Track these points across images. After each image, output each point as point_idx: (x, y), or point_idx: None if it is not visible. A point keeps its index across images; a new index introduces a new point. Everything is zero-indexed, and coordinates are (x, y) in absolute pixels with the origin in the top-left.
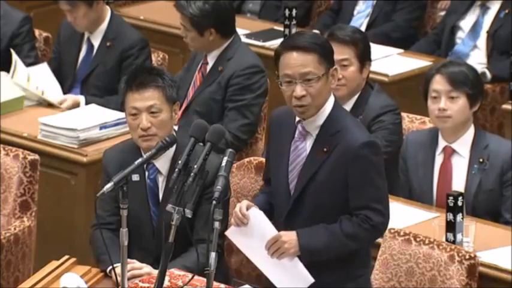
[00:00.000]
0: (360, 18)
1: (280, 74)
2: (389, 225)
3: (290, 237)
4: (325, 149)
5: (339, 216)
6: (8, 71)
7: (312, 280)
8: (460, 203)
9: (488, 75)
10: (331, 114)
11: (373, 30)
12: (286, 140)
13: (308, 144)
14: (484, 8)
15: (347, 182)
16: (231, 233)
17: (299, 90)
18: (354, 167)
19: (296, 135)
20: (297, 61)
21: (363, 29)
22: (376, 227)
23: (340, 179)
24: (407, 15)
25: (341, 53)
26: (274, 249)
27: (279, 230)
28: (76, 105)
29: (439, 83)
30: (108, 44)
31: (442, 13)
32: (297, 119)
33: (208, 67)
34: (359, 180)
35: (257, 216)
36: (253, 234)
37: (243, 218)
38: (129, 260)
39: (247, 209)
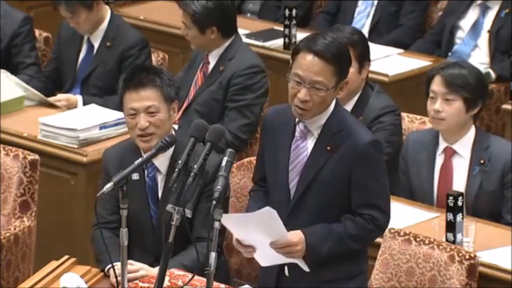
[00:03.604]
0: (361, 18)
1: (292, 70)
2: (389, 225)
3: (302, 244)
4: (328, 148)
5: (340, 215)
6: (8, 70)
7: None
8: (460, 203)
9: (493, 75)
10: (333, 114)
11: (384, 38)
12: (284, 140)
13: (309, 143)
14: (484, 7)
15: (349, 180)
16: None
17: (303, 94)
18: (360, 165)
19: (297, 134)
20: (312, 66)
21: (365, 29)
22: (380, 227)
23: (343, 177)
24: (417, 19)
25: None
26: (285, 251)
27: None
28: (72, 104)
29: (436, 84)
30: (108, 44)
31: (440, 13)
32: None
33: (210, 67)
34: (365, 178)
35: (272, 215)
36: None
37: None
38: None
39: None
